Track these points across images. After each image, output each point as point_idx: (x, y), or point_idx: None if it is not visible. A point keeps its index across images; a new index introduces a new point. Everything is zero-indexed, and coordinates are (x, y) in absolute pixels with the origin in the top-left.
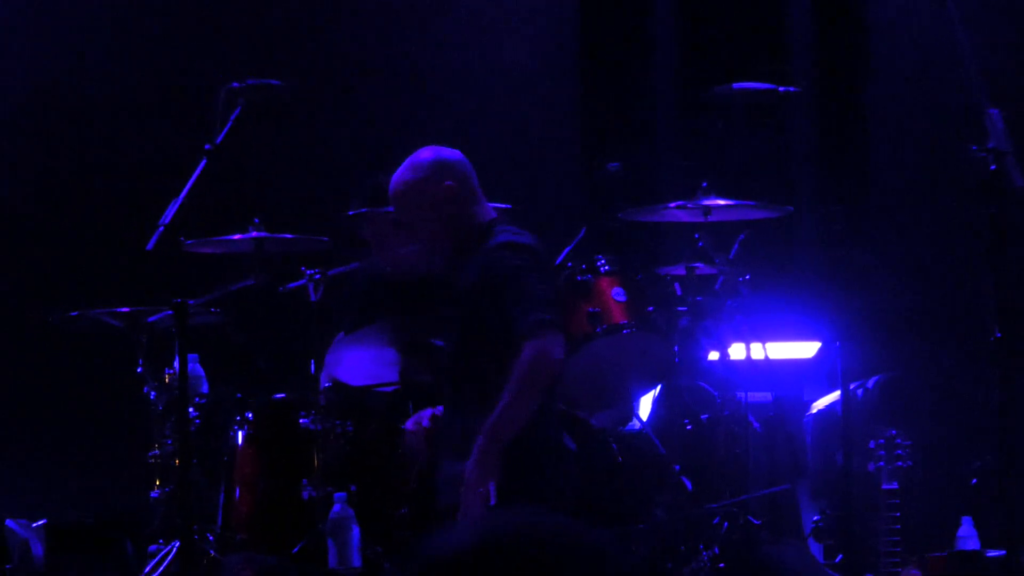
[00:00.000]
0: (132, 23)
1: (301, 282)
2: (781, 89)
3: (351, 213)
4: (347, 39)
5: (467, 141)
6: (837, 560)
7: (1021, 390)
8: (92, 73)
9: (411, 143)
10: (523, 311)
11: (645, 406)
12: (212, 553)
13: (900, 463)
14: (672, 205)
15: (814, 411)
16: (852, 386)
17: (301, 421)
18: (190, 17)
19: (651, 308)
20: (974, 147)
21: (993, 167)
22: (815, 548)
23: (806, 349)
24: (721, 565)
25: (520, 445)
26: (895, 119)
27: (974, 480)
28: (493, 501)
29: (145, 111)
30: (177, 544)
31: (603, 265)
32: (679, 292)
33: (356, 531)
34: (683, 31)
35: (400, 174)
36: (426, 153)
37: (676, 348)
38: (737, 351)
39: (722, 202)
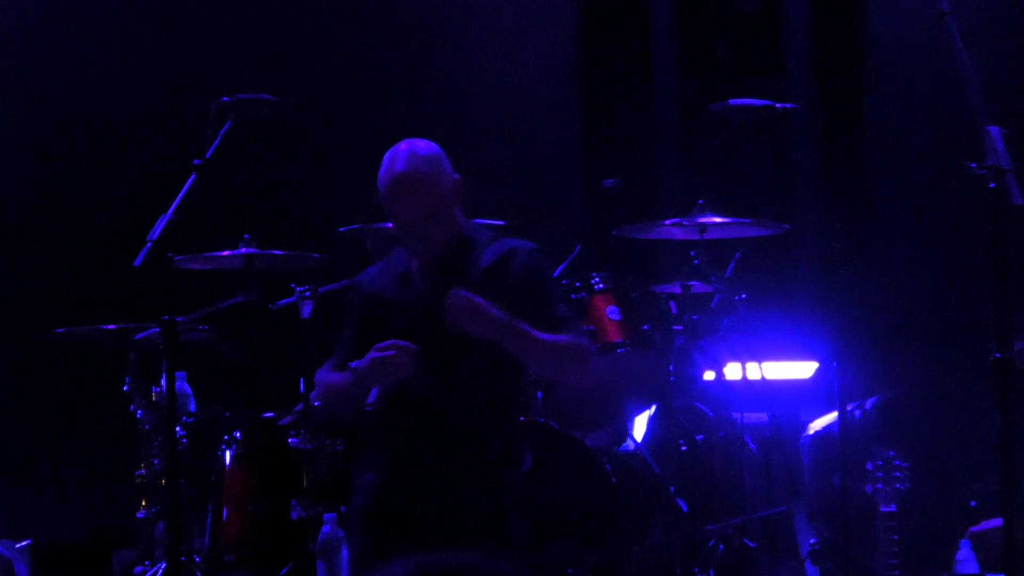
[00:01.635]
0: (123, 41)
1: (291, 299)
2: (779, 106)
3: (356, 227)
4: (342, 56)
5: (465, 157)
6: None
7: (1020, 410)
8: (82, 89)
9: None
10: (571, 313)
11: (640, 426)
12: (199, 575)
13: (898, 485)
14: (668, 222)
15: (811, 432)
16: (850, 407)
17: (290, 440)
18: (183, 32)
19: (646, 327)
20: (973, 164)
21: (992, 184)
22: (812, 571)
23: (803, 369)
24: None
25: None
26: (894, 136)
27: (973, 502)
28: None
29: (135, 126)
30: (164, 565)
31: (598, 283)
32: (675, 311)
33: (346, 552)
34: (682, 49)
35: (415, 162)
36: (422, 144)
37: (671, 367)
38: (733, 371)
39: (718, 219)
